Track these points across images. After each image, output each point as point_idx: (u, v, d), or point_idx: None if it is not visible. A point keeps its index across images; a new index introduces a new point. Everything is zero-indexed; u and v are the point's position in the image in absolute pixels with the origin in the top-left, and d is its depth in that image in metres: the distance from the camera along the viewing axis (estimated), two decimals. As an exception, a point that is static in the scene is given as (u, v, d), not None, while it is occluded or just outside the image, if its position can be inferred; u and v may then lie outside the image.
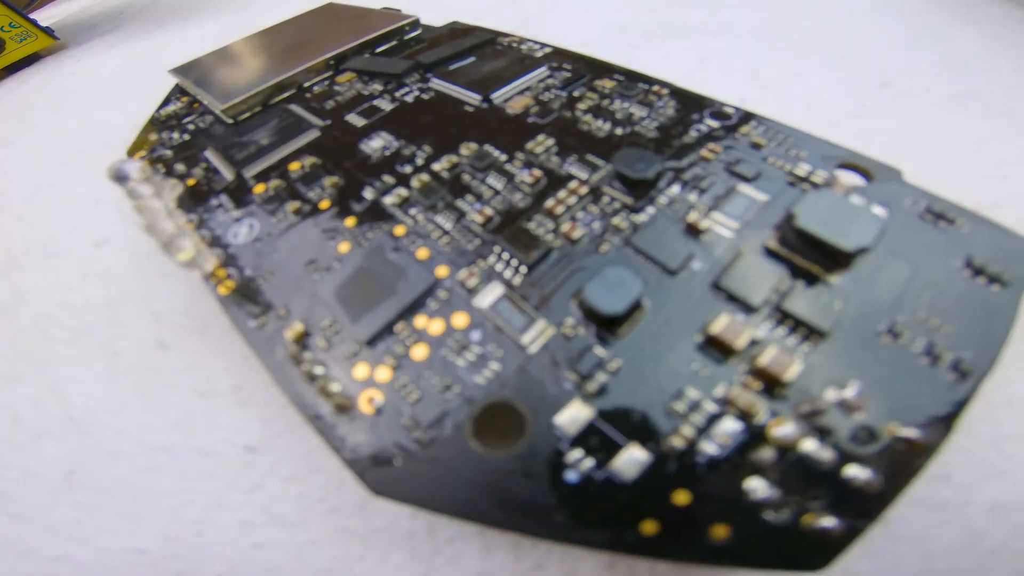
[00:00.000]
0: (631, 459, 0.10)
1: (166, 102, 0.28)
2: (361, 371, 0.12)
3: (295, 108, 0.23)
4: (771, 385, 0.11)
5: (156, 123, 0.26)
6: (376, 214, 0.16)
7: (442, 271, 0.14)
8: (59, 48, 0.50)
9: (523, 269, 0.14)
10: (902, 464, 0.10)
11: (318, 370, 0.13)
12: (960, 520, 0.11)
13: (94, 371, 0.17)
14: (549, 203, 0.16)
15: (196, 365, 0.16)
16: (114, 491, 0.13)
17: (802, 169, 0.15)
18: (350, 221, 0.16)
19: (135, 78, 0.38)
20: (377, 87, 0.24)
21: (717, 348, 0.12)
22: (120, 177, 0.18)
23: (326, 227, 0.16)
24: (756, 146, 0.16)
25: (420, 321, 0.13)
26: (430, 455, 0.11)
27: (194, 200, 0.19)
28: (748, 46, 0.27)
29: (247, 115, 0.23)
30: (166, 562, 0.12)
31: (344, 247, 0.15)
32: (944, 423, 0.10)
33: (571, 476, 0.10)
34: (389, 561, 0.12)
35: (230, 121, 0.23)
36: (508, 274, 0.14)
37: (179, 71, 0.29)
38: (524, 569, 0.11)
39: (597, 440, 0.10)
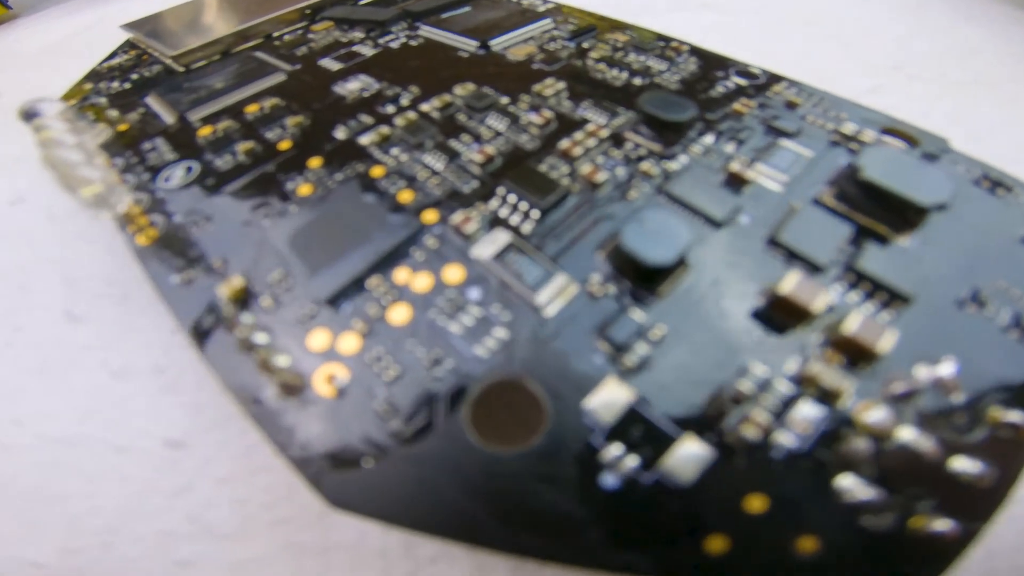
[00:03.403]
0: (688, 455, 0.08)
1: (111, 56, 0.25)
2: (319, 339, 0.10)
3: (260, 55, 0.20)
4: (856, 359, 0.09)
5: (95, 75, 0.23)
6: (348, 154, 0.14)
7: (430, 216, 0.12)
8: (11, 17, 0.47)
9: (535, 214, 0.12)
10: (1011, 455, 0.08)
11: (259, 337, 0.10)
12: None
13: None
14: (564, 144, 0.14)
15: (112, 341, 0.14)
16: (5, 492, 0.12)
17: (848, 128, 0.14)
18: (315, 161, 0.14)
19: (82, 42, 0.36)
20: (358, 35, 0.21)
21: (786, 312, 0.10)
22: (30, 115, 0.15)
23: (285, 168, 0.14)
24: (791, 105, 0.15)
25: (401, 275, 0.11)
26: (412, 453, 0.08)
27: (123, 144, 0.16)
28: (754, 22, 0.27)
29: (203, 63, 0.21)
30: (66, 578, 0.10)
31: (305, 189, 0.13)
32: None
33: (608, 480, 0.08)
34: (354, 586, 0.10)
35: (181, 69, 0.21)
36: (516, 220, 0.12)
37: (132, 25, 0.26)
38: (528, 598, 0.10)
39: (641, 431, 0.08)
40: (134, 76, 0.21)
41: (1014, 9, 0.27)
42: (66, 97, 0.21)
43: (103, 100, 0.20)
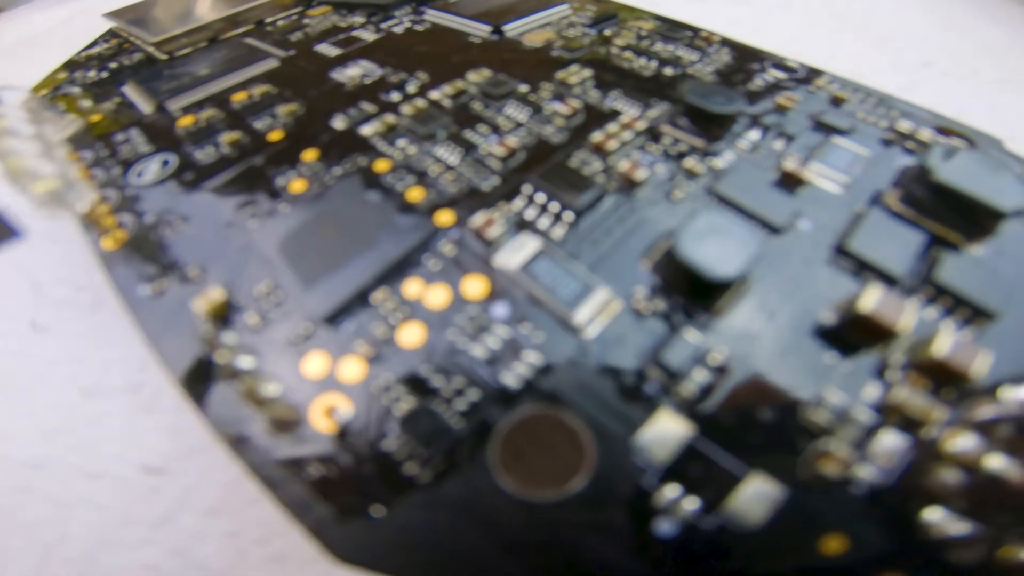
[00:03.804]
0: (756, 494, 0.08)
1: (91, 45, 0.24)
2: (316, 364, 0.09)
3: (251, 41, 0.19)
4: (943, 383, 0.08)
5: (72, 65, 0.22)
6: (348, 146, 0.13)
7: (445, 217, 0.11)
8: None
9: (567, 216, 0.10)
10: None
11: (244, 362, 0.09)
12: None
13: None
14: (597, 137, 0.12)
15: (81, 355, 0.13)
16: None
17: (903, 126, 0.13)
18: (310, 154, 0.13)
19: (65, 33, 0.35)
20: (358, 19, 0.20)
21: (866, 332, 0.09)
22: None
23: (275, 161, 0.13)
24: (838, 100, 0.15)
25: (412, 288, 0.10)
26: (431, 500, 0.08)
27: (93, 136, 0.15)
28: (778, 17, 0.27)
29: (187, 51, 0.19)
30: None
31: (298, 186, 0.12)
32: None
33: (665, 527, 0.07)
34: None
35: (164, 57, 0.19)
36: (545, 223, 0.11)
37: (114, 14, 0.25)
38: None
39: (701, 469, 0.08)
40: (113, 65, 0.20)
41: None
42: (37, 88, 0.20)
43: (77, 90, 0.18)
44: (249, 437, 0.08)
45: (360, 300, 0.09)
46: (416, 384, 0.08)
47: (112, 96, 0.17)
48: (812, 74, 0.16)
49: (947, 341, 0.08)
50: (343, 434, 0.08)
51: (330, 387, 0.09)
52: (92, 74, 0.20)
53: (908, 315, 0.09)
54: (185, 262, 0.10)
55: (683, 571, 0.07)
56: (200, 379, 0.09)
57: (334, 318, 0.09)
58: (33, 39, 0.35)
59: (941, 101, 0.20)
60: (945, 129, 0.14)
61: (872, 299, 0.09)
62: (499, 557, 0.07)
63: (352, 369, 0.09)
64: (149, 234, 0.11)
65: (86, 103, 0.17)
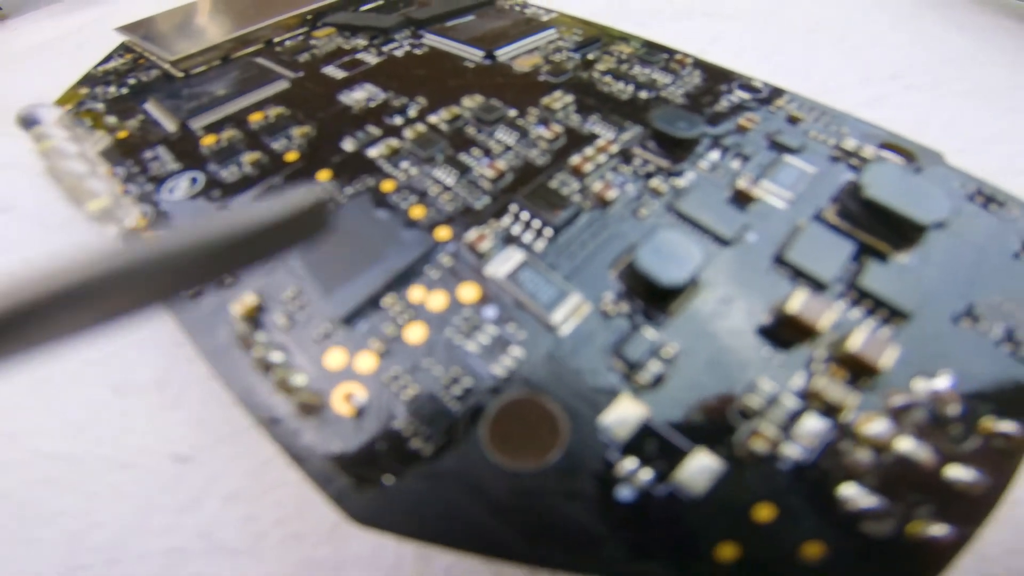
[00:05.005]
0: (700, 468, 0.08)
1: (106, 59, 0.25)
2: (336, 358, 0.10)
3: (261, 61, 0.20)
4: (859, 374, 0.10)
5: (91, 79, 0.22)
6: (357, 167, 0.14)
7: (443, 233, 0.12)
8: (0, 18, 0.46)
9: (547, 232, 0.12)
10: (1003, 462, 0.09)
11: (275, 356, 0.10)
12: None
13: (-22, 363, 0.13)
14: (575, 160, 0.14)
15: (111, 354, 0.14)
16: (1, 508, 0.11)
17: (849, 144, 0.14)
18: (324, 174, 0.14)
19: (76, 43, 0.34)
20: (361, 42, 0.21)
21: (793, 330, 0.10)
22: (29, 121, 0.15)
23: (293, 180, 0.14)
24: (793, 120, 0.15)
25: (416, 293, 0.11)
26: (432, 471, 0.09)
27: (123, 153, 0.16)
28: (757, 31, 0.27)
29: (202, 69, 0.20)
30: (67, 596, 0.10)
31: None
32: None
33: (624, 493, 0.08)
34: (370, 600, 0.10)
35: (180, 75, 0.20)
36: (528, 238, 0.12)
37: (127, 28, 0.26)
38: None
39: (654, 446, 0.09)
40: (131, 81, 0.21)
41: (1005, 20, 0.28)
42: (60, 102, 0.21)
43: (100, 105, 0.19)
44: (280, 419, 0.09)
45: (372, 304, 0.11)
46: (420, 373, 0.10)
47: (135, 113, 0.18)
48: (775, 94, 0.17)
49: (860, 337, 0.09)
50: (359, 416, 0.09)
51: (348, 377, 0.10)
52: (112, 90, 0.20)
53: (828, 316, 0.10)
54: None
55: (639, 530, 0.08)
56: (237, 371, 0.10)
57: (350, 319, 0.10)
58: (43, 47, 0.35)
59: (903, 115, 0.20)
60: (890, 145, 0.14)
61: (798, 302, 0.10)
62: (488, 518, 0.08)
63: (366, 362, 0.10)
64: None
65: (111, 119, 0.18)
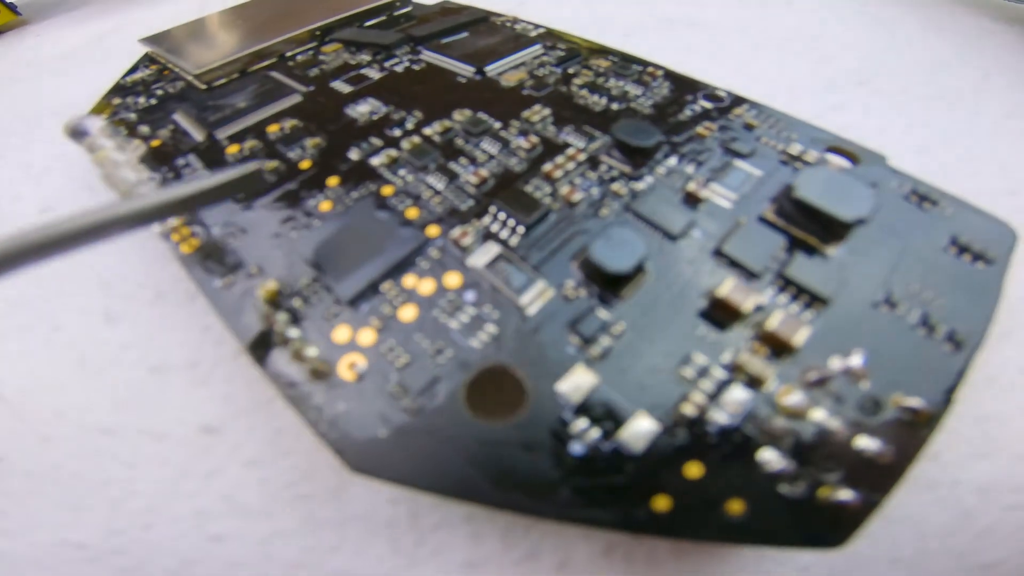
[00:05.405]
0: (639, 429, 0.10)
1: (133, 70, 0.26)
2: (342, 333, 0.11)
3: (276, 75, 0.22)
4: (778, 351, 0.11)
5: (120, 89, 0.24)
6: (362, 174, 0.16)
7: (433, 230, 0.13)
8: (20, 24, 0.47)
9: (520, 230, 0.13)
10: (909, 435, 0.09)
11: (292, 332, 0.11)
12: (952, 500, 0.11)
13: (31, 346, 0.15)
14: (547, 167, 0.15)
15: (147, 339, 0.15)
16: (49, 479, 0.12)
17: (795, 149, 0.15)
18: (333, 180, 0.15)
19: (100, 51, 0.36)
20: (365, 57, 0.23)
21: (723, 312, 0.11)
22: (78, 132, 0.17)
23: (306, 186, 0.15)
24: (749, 127, 0.16)
25: (409, 280, 0.12)
26: (419, 426, 0.10)
27: (158, 160, 0.17)
28: (733, 40, 0.28)
29: (223, 81, 0.22)
30: (108, 557, 0.11)
31: (326, 205, 0.15)
32: (945, 393, 0.10)
33: (576, 448, 0.09)
34: (367, 552, 0.11)
35: (203, 87, 0.22)
36: (505, 235, 0.13)
37: (150, 40, 0.27)
38: (516, 558, 0.11)
39: (603, 408, 0.10)
40: (159, 92, 0.22)
41: (988, 20, 0.28)
42: (95, 111, 0.22)
43: (133, 116, 0.21)
44: (296, 383, 0.11)
45: (373, 289, 0.12)
46: (410, 345, 0.11)
47: (166, 123, 0.20)
48: (735, 102, 0.18)
49: (778, 318, 0.11)
50: (360, 381, 0.11)
51: (352, 349, 0.11)
52: (142, 100, 0.22)
53: (753, 299, 0.11)
54: (247, 263, 0.13)
55: (588, 481, 0.09)
56: (261, 346, 0.11)
57: (355, 301, 0.12)
58: (69, 55, 0.36)
59: (864, 120, 0.21)
60: (835, 148, 0.15)
61: (726, 288, 0.11)
62: (465, 466, 0.09)
63: (367, 337, 0.11)
64: (216, 243, 0.14)
65: (144, 128, 0.20)
